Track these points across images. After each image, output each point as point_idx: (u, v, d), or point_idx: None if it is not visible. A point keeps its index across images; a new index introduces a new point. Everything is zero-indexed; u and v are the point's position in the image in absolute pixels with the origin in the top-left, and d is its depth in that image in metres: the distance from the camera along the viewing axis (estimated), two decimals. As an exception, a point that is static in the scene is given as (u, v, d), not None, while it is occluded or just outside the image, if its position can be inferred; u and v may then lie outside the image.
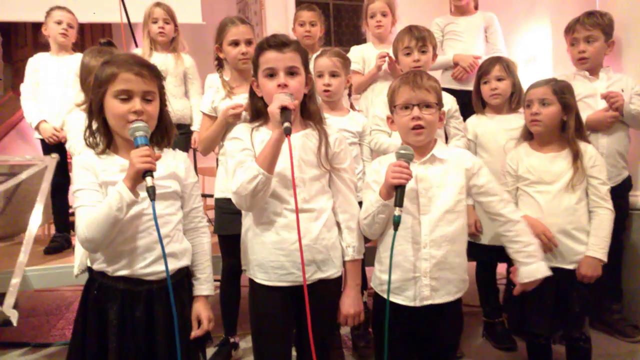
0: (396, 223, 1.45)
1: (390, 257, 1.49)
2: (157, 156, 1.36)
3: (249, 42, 2.17)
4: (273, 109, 1.45)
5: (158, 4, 2.91)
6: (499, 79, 2.32)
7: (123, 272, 1.42)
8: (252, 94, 1.63)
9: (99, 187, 1.42)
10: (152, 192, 1.30)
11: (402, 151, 1.52)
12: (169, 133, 1.54)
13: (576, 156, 1.88)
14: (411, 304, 1.59)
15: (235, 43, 2.17)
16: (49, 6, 2.92)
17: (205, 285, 1.55)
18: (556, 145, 1.95)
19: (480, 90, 2.39)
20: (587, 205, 1.89)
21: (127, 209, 1.34)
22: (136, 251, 1.42)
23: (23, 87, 2.89)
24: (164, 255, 1.34)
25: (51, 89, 2.84)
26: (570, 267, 1.86)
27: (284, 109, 1.43)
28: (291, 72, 1.53)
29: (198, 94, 2.92)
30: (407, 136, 1.63)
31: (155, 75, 1.47)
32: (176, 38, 2.95)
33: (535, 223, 1.84)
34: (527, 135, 2.03)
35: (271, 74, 1.53)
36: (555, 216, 1.88)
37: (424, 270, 1.57)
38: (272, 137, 1.45)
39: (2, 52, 5.51)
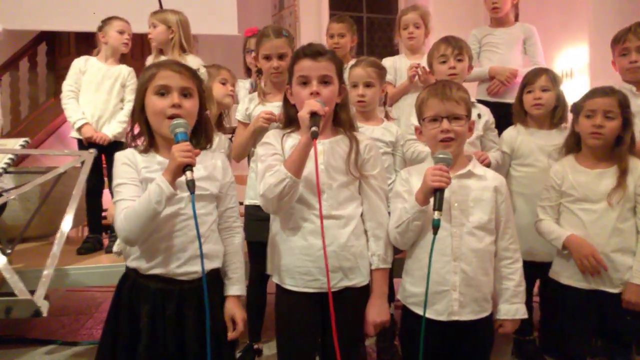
0: (436, 227, 1.40)
1: (429, 264, 1.42)
2: (197, 152, 1.38)
3: (281, 56, 2.13)
4: (303, 114, 1.46)
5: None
6: (544, 90, 2.24)
7: (157, 271, 1.43)
8: (286, 101, 1.64)
9: (139, 182, 1.44)
10: (191, 186, 1.32)
11: (441, 155, 1.50)
12: (208, 134, 1.57)
13: (624, 172, 1.79)
14: (439, 318, 1.55)
15: (268, 57, 2.15)
16: (91, 17, 2.95)
17: (238, 285, 1.54)
18: (606, 162, 1.84)
19: (522, 100, 2.31)
20: (634, 225, 1.80)
21: (166, 203, 1.35)
22: (171, 250, 1.43)
23: (65, 86, 2.81)
24: (200, 250, 1.34)
25: (93, 94, 2.80)
26: (615, 290, 1.78)
27: (313, 114, 1.43)
28: (324, 81, 1.54)
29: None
30: (435, 148, 1.61)
31: (193, 74, 1.51)
32: (174, 39, 2.71)
33: (583, 243, 1.79)
34: (574, 147, 1.92)
35: (305, 81, 1.54)
36: (600, 236, 1.79)
37: (452, 283, 1.54)
38: (300, 142, 1.46)
39: (45, 61, 5.73)
